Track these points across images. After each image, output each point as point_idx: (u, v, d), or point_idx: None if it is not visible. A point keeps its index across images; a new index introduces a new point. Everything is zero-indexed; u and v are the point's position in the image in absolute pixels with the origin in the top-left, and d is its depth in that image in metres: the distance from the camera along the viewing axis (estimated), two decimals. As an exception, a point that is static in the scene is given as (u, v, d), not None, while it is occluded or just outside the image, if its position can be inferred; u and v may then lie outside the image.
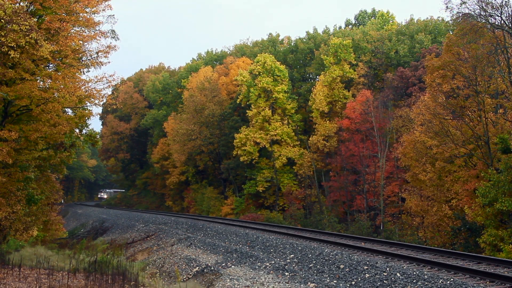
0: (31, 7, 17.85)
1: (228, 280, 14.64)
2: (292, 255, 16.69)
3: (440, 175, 25.70)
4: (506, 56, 22.19)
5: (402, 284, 11.64)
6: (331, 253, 15.66)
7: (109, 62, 21.96)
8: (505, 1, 21.14)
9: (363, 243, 18.01)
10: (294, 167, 43.70)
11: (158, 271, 19.14)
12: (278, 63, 45.52)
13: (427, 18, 48.56)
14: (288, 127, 44.37)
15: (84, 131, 22.42)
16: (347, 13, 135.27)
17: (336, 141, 41.07)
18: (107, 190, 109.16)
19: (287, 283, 13.81)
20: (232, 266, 16.95)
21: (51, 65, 19.32)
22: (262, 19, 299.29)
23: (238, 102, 47.53)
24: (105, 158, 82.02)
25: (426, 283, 11.34)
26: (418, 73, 36.69)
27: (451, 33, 32.12)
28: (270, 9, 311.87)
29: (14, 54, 15.10)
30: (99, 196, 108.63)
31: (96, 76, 23.33)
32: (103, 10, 19.48)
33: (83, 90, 18.75)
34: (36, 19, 17.33)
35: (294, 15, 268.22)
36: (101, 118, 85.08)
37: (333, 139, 41.19)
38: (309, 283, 13.43)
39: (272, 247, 18.56)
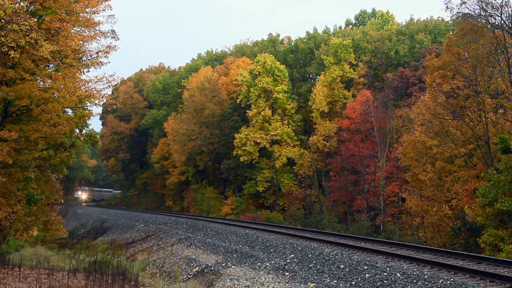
0: (31, 7, 17.85)
1: (228, 280, 14.64)
2: (292, 255, 16.69)
3: (440, 175, 25.69)
4: (506, 56, 22.18)
5: (402, 284, 11.64)
6: (331, 253, 15.66)
7: (109, 62, 21.95)
8: (505, 1, 21.16)
9: (363, 243, 18.01)
10: (294, 167, 43.70)
11: (158, 271, 19.14)
12: (278, 63, 45.52)
13: (427, 18, 48.65)
14: (288, 127, 44.37)
15: (84, 131, 22.39)
16: (349, 13, 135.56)
17: (336, 141, 41.08)
18: (86, 188, 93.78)
19: (287, 283, 13.81)
20: (232, 266, 16.96)
21: (51, 65, 19.31)
22: (267, 20, 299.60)
23: (238, 102, 47.53)
24: (105, 158, 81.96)
25: (426, 283, 11.34)
26: (418, 73, 36.70)
27: (451, 33, 32.13)
28: (275, 10, 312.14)
29: (14, 54, 15.09)
30: (75, 196, 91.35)
31: (96, 76, 23.32)
32: (103, 10, 19.50)
33: (83, 90, 18.74)
34: (36, 19, 17.32)
35: (299, 16, 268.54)
36: (101, 118, 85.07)
37: (333, 139, 41.19)
38: (309, 283, 13.43)
39: (272, 247, 18.56)
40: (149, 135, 70.75)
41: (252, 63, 48.70)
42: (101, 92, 19.31)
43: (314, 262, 15.28)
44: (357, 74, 43.53)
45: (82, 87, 18.86)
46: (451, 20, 27.84)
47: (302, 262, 15.70)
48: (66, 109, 20.79)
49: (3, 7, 14.70)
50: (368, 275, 12.89)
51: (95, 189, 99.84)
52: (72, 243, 26.60)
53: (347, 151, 38.94)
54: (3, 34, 14.76)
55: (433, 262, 13.04)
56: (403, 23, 50.59)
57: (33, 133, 17.13)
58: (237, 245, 20.71)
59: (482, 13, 21.74)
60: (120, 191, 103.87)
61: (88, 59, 20.14)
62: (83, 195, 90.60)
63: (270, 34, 59.06)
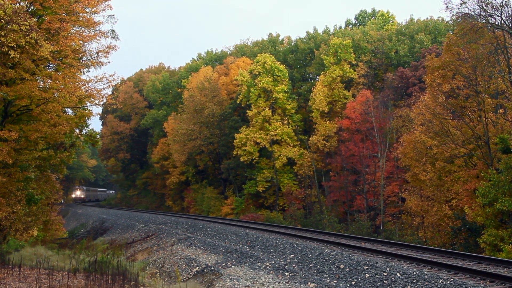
0: (31, 7, 17.84)
1: (228, 280, 14.65)
2: (292, 255, 16.69)
3: (440, 175, 25.70)
4: (506, 56, 22.18)
5: (402, 284, 11.64)
6: (331, 253, 15.66)
7: (109, 62, 21.92)
8: (505, 1, 21.15)
9: (363, 243, 18.01)
10: (294, 167, 43.69)
11: (158, 271, 19.14)
12: (278, 63, 45.52)
13: (427, 18, 48.65)
14: (288, 127, 44.36)
15: (84, 131, 22.38)
16: (349, 13, 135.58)
17: (336, 141, 41.08)
18: (84, 188, 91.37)
19: (287, 283, 13.81)
20: (232, 266, 16.96)
21: (51, 65, 19.31)
22: (267, 20, 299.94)
23: (238, 102, 47.52)
24: (105, 158, 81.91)
25: (426, 283, 11.34)
26: (418, 73, 36.70)
27: (451, 33, 32.14)
28: (275, 10, 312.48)
29: (14, 54, 15.08)
30: (73, 196, 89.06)
31: (96, 76, 23.32)
32: (103, 10, 19.49)
33: (83, 90, 18.74)
34: (36, 19, 17.32)
35: (299, 16, 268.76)
36: (101, 118, 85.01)
37: (333, 139, 41.19)
38: (309, 283, 13.43)
39: (272, 247, 18.56)
40: (149, 135, 70.73)
41: (252, 63, 48.68)
42: (101, 92, 19.32)
43: (314, 262, 15.28)
44: (357, 74, 43.53)
45: (82, 87, 18.86)
46: (451, 20, 27.84)
47: (302, 262, 15.70)
48: (66, 109, 20.78)
49: (3, 7, 14.69)
50: (368, 275, 12.90)
51: (90, 188, 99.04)
52: (72, 243, 26.61)
53: (347, 151, 38.95)
54: (3, 34, 14.75)
55: (433, 262, 13.05)
56: (403, 23, 50.61)
57: (33, 133, 17.12)
58: (237, 245, 20.71)
59: (482, 13, 21.75)
60: (113, 191, 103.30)
61: (88, 59, 20.14)
62: (81, 195, 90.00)
63: (270, 34, 59.06)
